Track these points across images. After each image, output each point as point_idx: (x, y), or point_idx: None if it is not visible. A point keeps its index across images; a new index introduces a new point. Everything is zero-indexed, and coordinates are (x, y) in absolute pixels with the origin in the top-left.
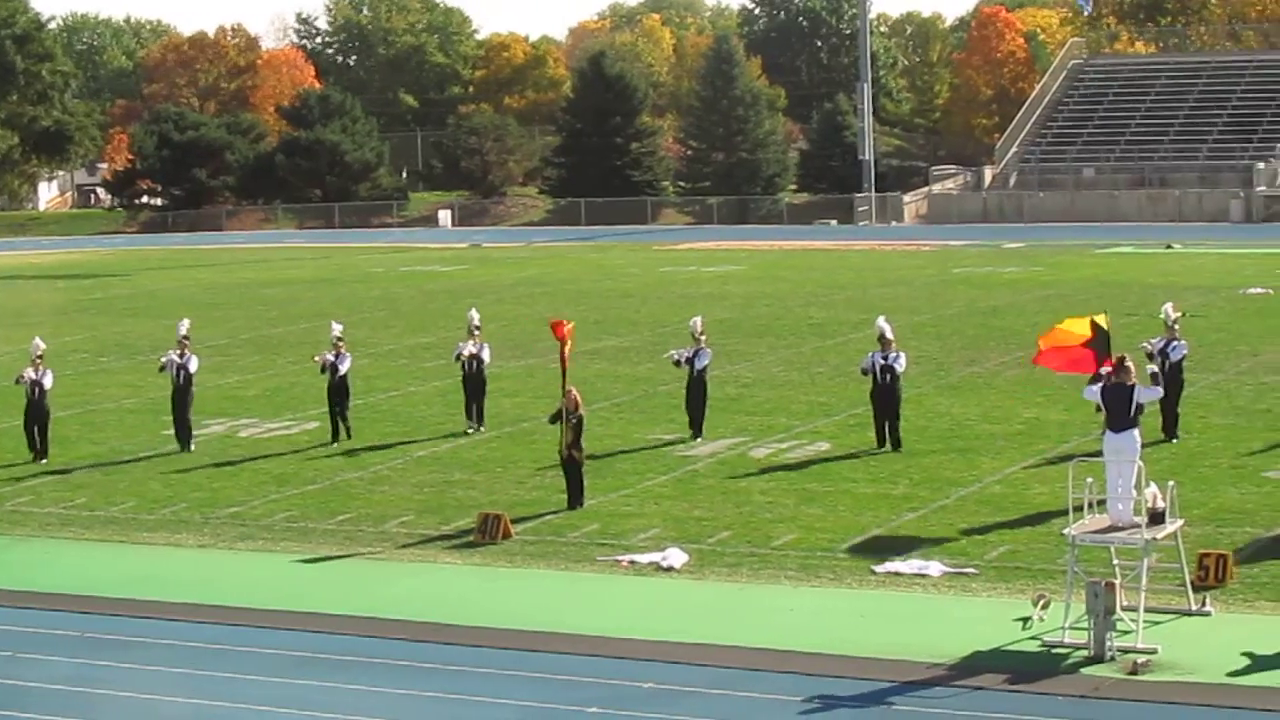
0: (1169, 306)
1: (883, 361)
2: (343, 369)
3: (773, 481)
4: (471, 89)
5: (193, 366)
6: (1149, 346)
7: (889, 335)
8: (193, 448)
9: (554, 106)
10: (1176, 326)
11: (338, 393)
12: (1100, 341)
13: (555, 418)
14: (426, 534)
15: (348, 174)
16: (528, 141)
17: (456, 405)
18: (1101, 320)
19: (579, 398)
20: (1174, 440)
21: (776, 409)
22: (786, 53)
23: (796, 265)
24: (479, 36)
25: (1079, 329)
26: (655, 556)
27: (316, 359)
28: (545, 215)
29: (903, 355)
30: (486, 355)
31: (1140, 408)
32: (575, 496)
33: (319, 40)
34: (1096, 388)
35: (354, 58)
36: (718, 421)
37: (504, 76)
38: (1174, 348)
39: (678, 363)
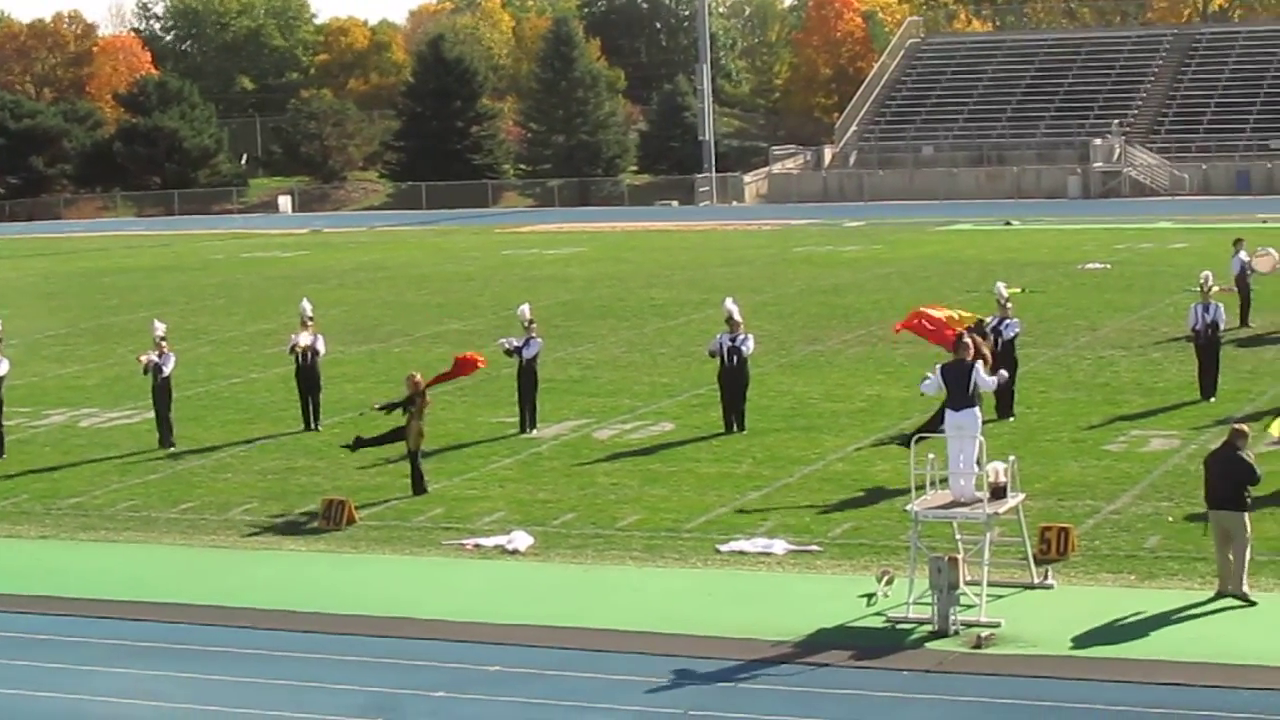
0: (1000, 285)
1: (730, 343)
2: (166, 370)
3: (617, 463)
4: (311, 73)
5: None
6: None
7: (736, 317)
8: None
9: (394, 91)
10: (1009, 305)
11: (162, 394)
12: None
13: (390, 406)
14: (271, 521)
15: (187, 161)
16: (368, 126)
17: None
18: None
19: (421, 380)
20: (1010, 419)
21: (620, 390)
22: (626, 34)
23: (638, 246)
24: (318, 21)
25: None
26: (500, 540)
27: (140, 359)
28: (386, 200)
29: (750, 338)
30: (322, 347)
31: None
32: (419, 483)
33: (156, 26)
34: (931, 376)
35: (191, 43)
36: (561, 404)
37: (344, 61)
38: (1006, 326)
39: (508, 351)
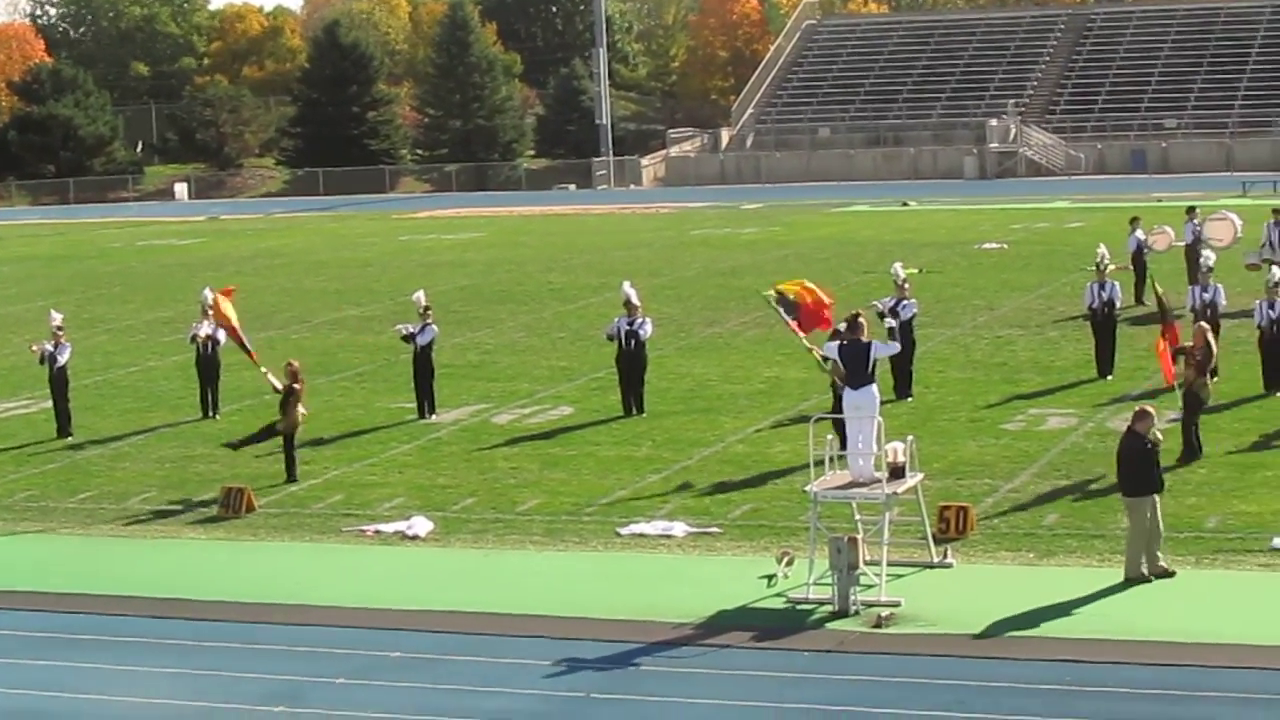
0: (898, 266)
1: (628, 327)
2: (62, 359)
3: (516, 448)
4: (206, 60)
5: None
6: (880, 305)
7: (634, 301)
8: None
9: (290, 77)
10: (906, 285)
11: (59, 383)
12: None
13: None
14: (170, 509)
15: (82, 149)
16: (264, 113)
17: (196, 380)
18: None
19: (298, 369)
20: (908, 399)
21: (518, 375)
22: (522, 19)
23: (536, 231)
24: (213, 7)
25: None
26: (400, 525)
27: (34, 349)
28: (283, 186)
29: (648, 321)
30: (222, 336)
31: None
32: (291, 469)
33: (49, 13)
34: (834, 345)
35: (85, 30)
36: (460, 389)
37: (239, 48)
38: (904, 306)
39: (405, 337)
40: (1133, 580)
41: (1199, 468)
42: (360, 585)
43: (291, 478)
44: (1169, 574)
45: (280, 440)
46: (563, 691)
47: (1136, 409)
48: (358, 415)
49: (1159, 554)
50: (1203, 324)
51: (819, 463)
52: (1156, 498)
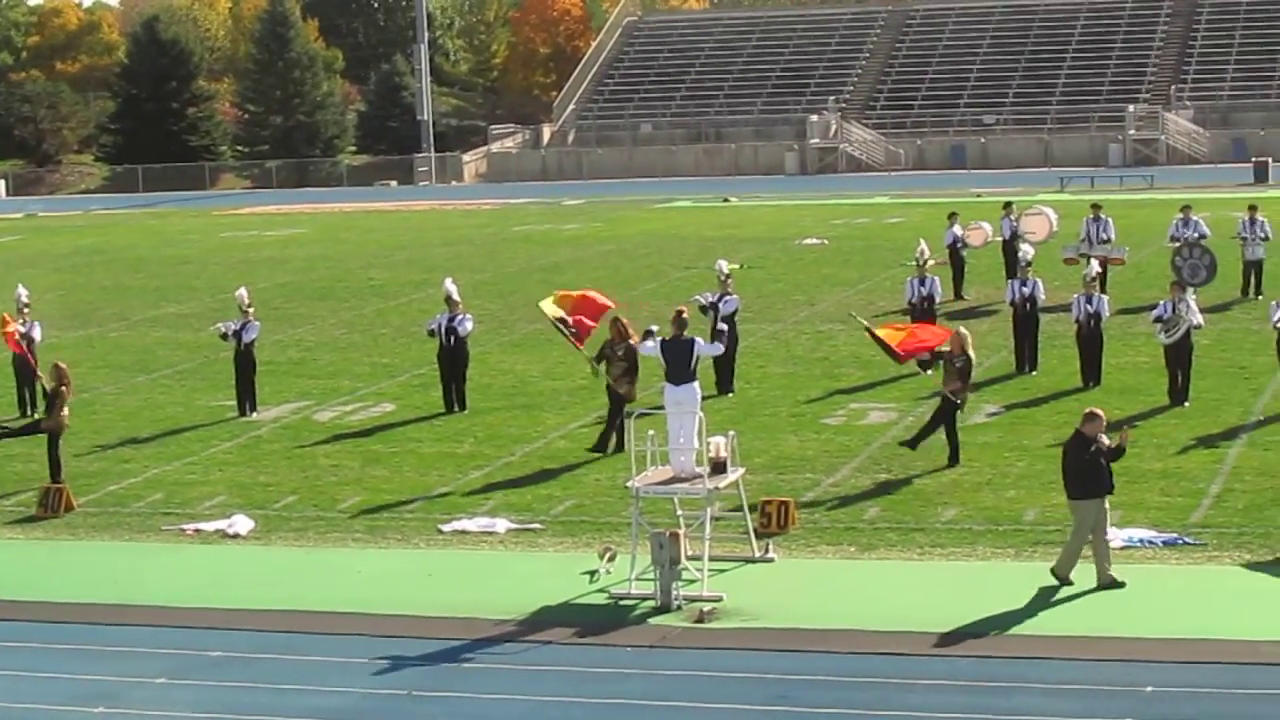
0: (722, 262)
1: (448, 323)
2: None
3: (338, 445)
4: (24, 55)
5: None
6: (703, 300)
7: (455, 297)
8: None
9: (109, 72)
10: (729, 281)
11: None
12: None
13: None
14: None
15: None
16: (82, 108)
17: (11, 379)
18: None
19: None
20: (730, 394)
21: (340, 372)
22: (343, 14)
23: (357, 227)
24: (31, 2)
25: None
26: (221, 524)
27: None
28: (102, 183)
29: (469, 317)
30: (37, 334)
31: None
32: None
33: None
34: (653, 344)
35: None
36: (281, 386)
37: (57, 42)
38: (726, 302)
39: (224, 335)
40: (1061, 580)
41: (1018, 460)
42: (181, 584)
43: (56, 479)
44: (1118, 585)
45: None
46: (385, 689)
47: (1085, 411)
48: (178, 413)
49: (1107, 564)
50: (962, 330)
51: (640, 459)
52: (1106, 501)
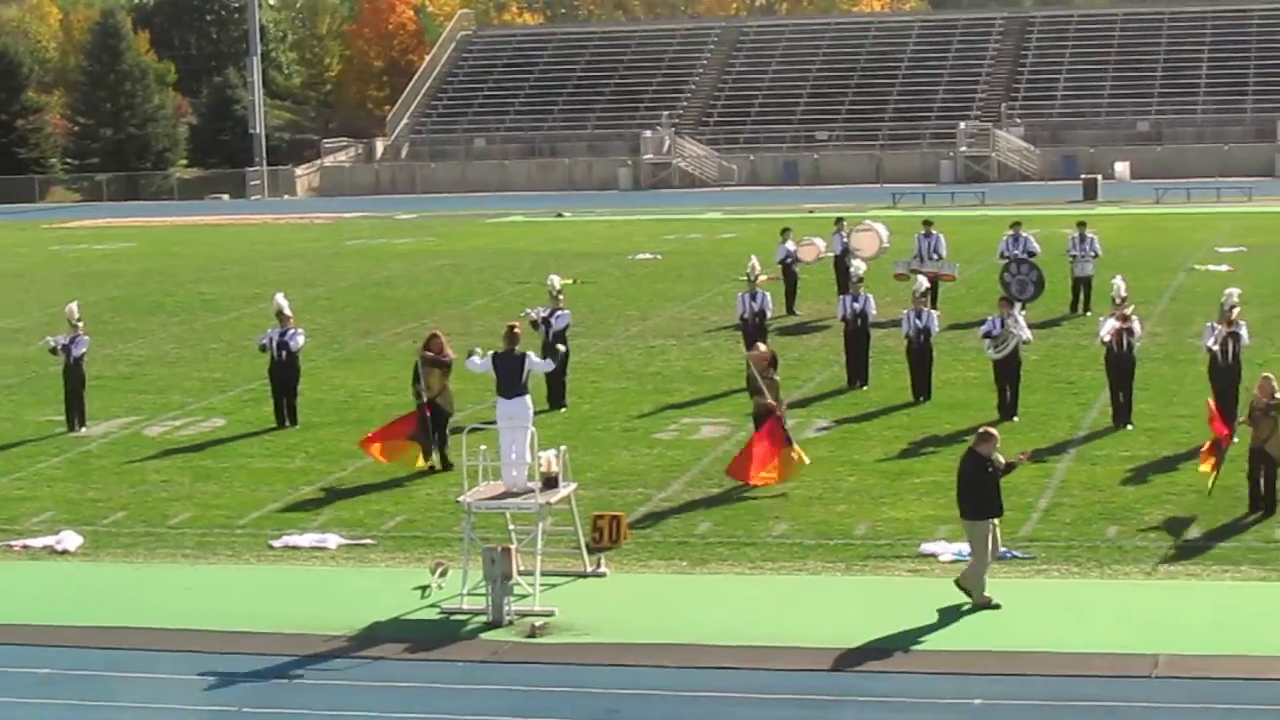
0: (554, 277)
1: (279, 338)
2: None
3: (168, 460)
4: None
5: None
6: (534, 315)
7: (287, 312)
8: None
9: None
10: (560, 296)
11: None
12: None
13: None
14: None
15: None
16: None
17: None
18: None
19: None
20: (562, 410)
21: (170, 386)
22: (176, 27)
23: (188, 241)
24: None
25: None
26: (49, 540)
27: None
28: None
29: (300, 332)
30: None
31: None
32: None
33: None
34: (481, 359)
35: None
36: (110, 401)
37: None
38: (558, 317)
39: (53, 350)
40: (979, 606)
41: (849, 475)
42: (7, 602)
43: None
44: (994, 606)
45: None
46: (215, 705)
47: (980, 430)
48: (5, 428)
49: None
50: (761, 346)
51: (472, 474)
52: (996, 522)
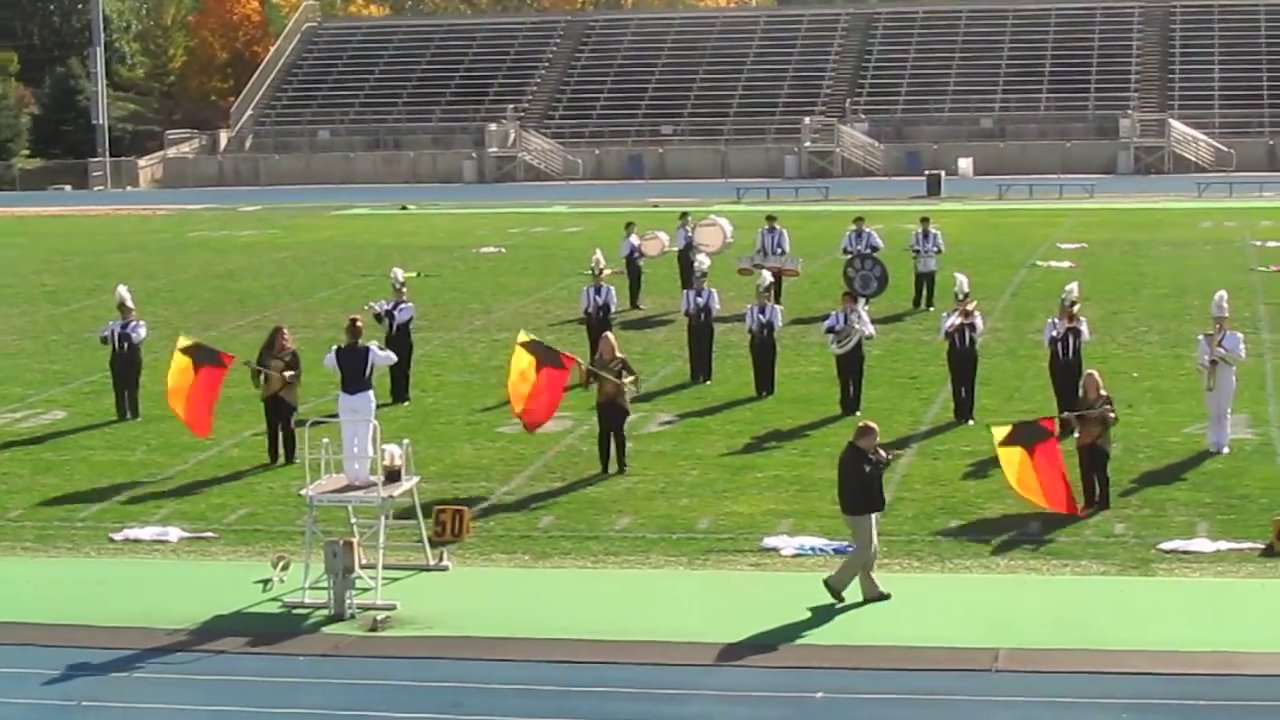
0: (398, 271)
1: (121, 330)
2: None
3: (7, 452)
4: None
5: None
6: (377, 307)
7: (129, 303)
8: None
9: None
10: (404, 289)
11: None
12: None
13: None
14: None
15: None
16: None
17: None
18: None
19: None
20: (405, 403)
21: (9, 378)
22: (18, 16)
23: (30, 232)
24: None
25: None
26: None
27: None
28: None
29: (142, 324)
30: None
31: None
32: None
33: None
34: (331, 355)
35: None
36: None
37: None
38: (401, 310)
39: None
40: (870, 598)
41: (691, 469)
42: None
43: None
44: (884, 597)
45: None
46: (54, 699)
47: (860, 424)
48: None
49: (873, 575)
50: (609, 335)
51: (314, 468)
52: (876, 516)
